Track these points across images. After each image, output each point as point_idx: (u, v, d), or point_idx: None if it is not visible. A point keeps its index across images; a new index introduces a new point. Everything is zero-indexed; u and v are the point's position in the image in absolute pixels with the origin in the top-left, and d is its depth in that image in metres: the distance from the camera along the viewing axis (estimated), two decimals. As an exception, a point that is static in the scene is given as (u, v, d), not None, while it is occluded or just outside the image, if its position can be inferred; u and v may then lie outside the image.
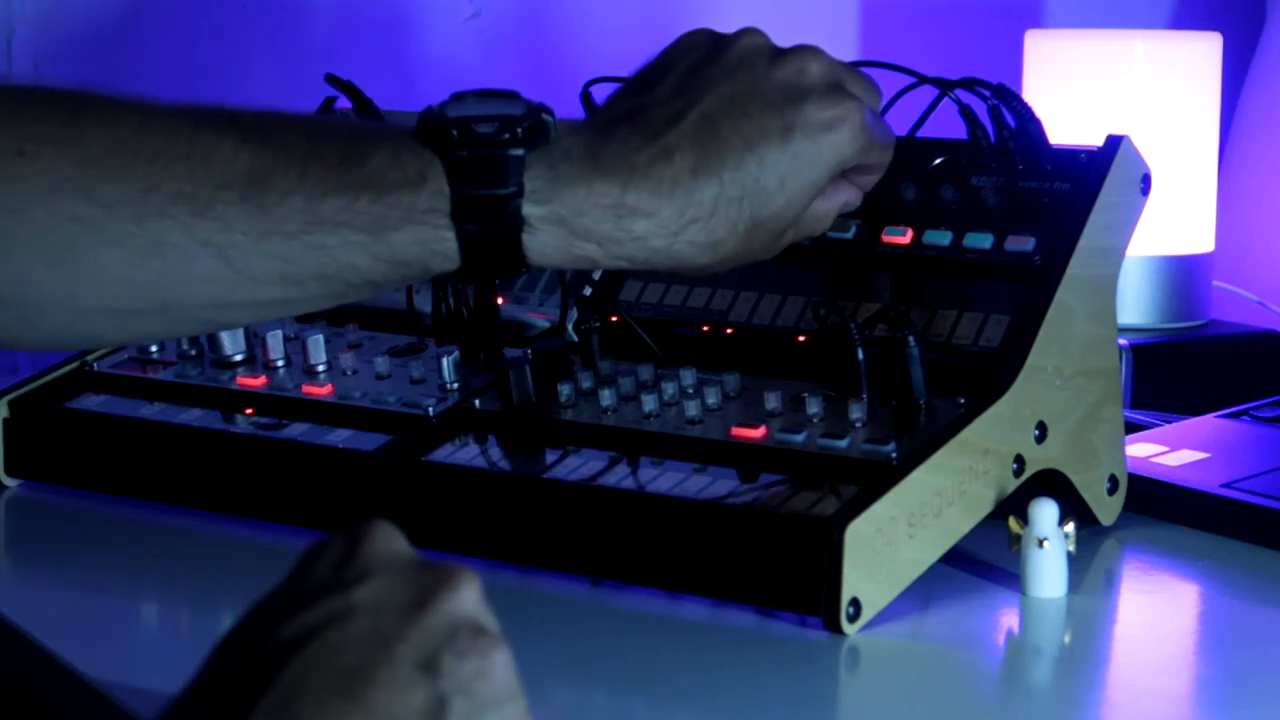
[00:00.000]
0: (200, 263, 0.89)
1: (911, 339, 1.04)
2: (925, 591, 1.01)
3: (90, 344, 1.07)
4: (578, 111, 1.26)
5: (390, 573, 0.66)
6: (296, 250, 0.89)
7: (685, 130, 0.92)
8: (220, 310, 0.92)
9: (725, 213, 0.92)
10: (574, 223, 0.90)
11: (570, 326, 1.17)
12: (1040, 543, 1.02)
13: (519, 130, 0.90)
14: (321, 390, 1.17)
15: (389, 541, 0.67)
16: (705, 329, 1.15)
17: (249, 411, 1.18)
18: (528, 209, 0.90)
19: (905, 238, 1.13)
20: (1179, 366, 1.53)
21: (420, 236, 0.89)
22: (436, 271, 0.91)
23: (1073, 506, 1.09)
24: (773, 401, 1.06)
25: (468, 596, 0.66)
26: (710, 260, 0.94)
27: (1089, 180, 1.10)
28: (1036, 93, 1.58)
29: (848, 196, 1.00)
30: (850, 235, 1.14)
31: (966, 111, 1.13)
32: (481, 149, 0.89)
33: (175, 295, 0.90)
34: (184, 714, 0.64)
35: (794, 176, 0.94)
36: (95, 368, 1.25)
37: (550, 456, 1.08)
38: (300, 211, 0.88)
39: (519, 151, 0.90)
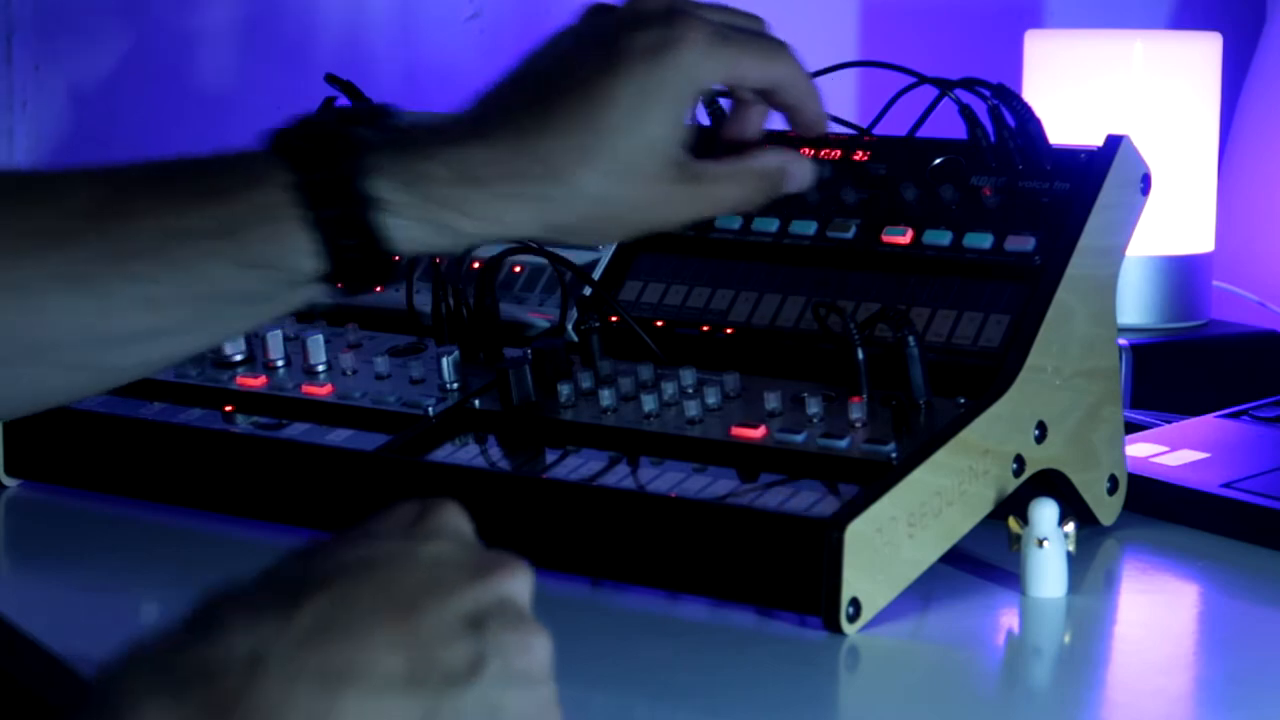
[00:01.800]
0: (62, 296, 0.87)
1: (911, 339, 1.04)
2: (925, 591, 1.01)
3: None
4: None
5: (454, 542, 0.70)
6: (157, 269, 0.86)
7: (516, 87, 0.91)
8: (95, 350, 0.88)
9: (567, 149, 0.89)
10: (425, 188, 0.88)
11: (570, 326, 1.17)
12: (1040, 543, 1.02)
13: (355, 114, 0.90)
14: (321, 390, 1.17)
15: (459, 520, 0.72)
16: (705, 329, 1.15)
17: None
18: (377, 184, 0.87)
19: (905, 238, 1.13)
20: (1179, 366, 1.53)
21: (276, 233, 0.87)
22: (306, 275, 0.88)
23: (1073, 506, 1.09)
24: (773, 401, 1.06)
25: (523, 585, 0.70)
26: (584, 208, 0.90)
27: (1089, 180, 1.10)
28: (1036, 93, 1.58)
29: (780, 159, 0.96)
30: (850, 235, 1.14)
31: (966, 111, 1.13)
32: (319, 135, 0.88)
33: (43, 335, 0.87)
34: (236, 601, 0.69)
35: (638, 102, 0.89)
36: (95, 368, 1.25)
37: (550, 456, 1.08)
38: (154, 230, 0.86)
39: (358, 130, 0.89)
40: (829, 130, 0.99)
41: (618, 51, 0.90)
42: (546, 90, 0.90)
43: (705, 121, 1.17)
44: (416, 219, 0.88)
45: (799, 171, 0.97)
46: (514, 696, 0.68)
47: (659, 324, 1.15)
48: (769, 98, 0.97)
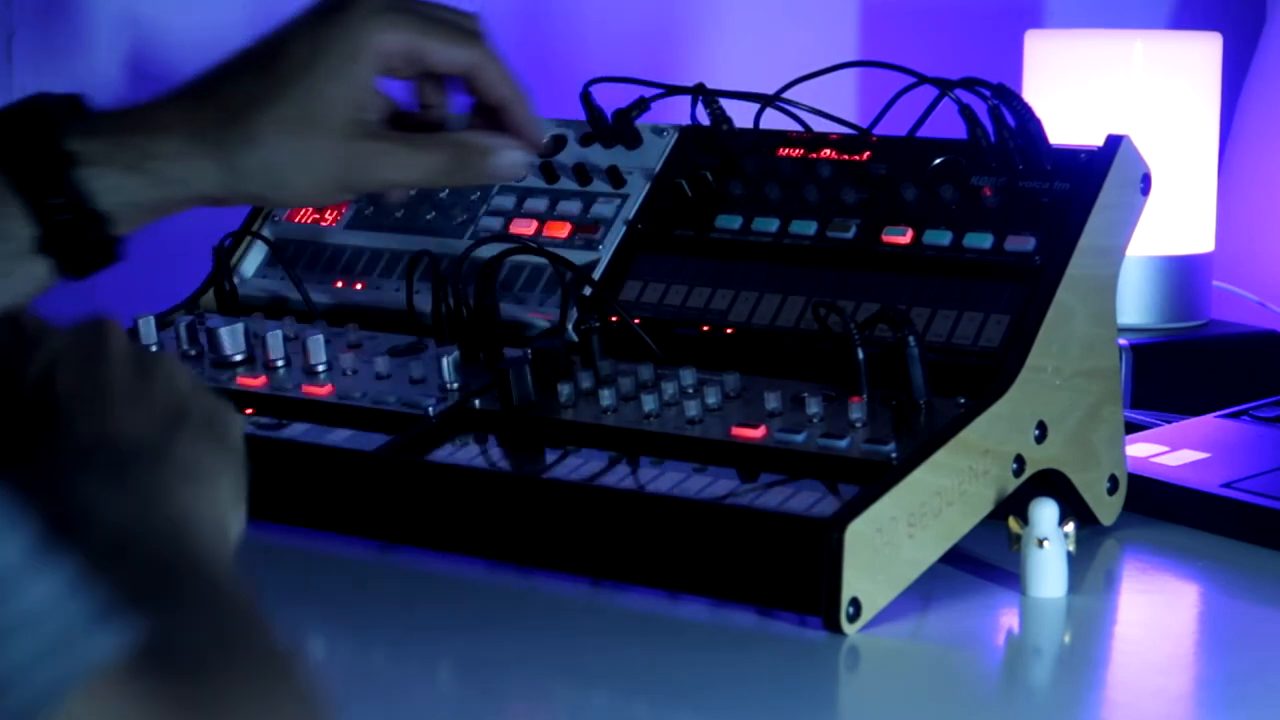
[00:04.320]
0: None
1: (911, 339, 1.04)
2: (925, 591, 1.01)
3: None
4: (578, 112, 1.26)
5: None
6: None
7: (212, 65, 0.97)
8: None
9: (245, 95, 0.94)
10: (113, 137, 0.93)
11: (570, 326, 1.17)
12: (1040, 543, 1.02)
13: (44, 96, 0.95)
14: (321, 390, 1.17)
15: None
16: (705, 329, 1.15)
17: (249, 411, 1.18)
18: (70, 141, 0.92)
19: (905, 238, 1.13)
20: (1179, 366, 1.53)
21: None
22: (21, 241, 0.91)
23: (1073, 506, 1.09)
24: (773, 401, 1.06)
25: (179, 373, 0.80)
26: (264, 154, 0.94)
27: (1089, 180, 1.10)
28: (1036, 93, 1.58)
29: (487, 140, 0.98)
30: (850, 235, 1.14)
31: (966, 111, 1.13)
32: (11, 108, 0.93)
33: None
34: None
35: (308, 56, 0.94)
36: (95, 368, 1.25)
37: (550, 456, 1.08)
38: None
39: (47, 101, 0.94)
40: (542, 140, 1.00)
41: (296, 17, 0.96)
42: (234, 58, 0.96)
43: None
44: (108, 165, 0.92)
45: (510, 157, 0.98)
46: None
47: (659, 324, 1.15)
48: (473, 94, 0.99)
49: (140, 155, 0.93)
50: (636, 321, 1.15)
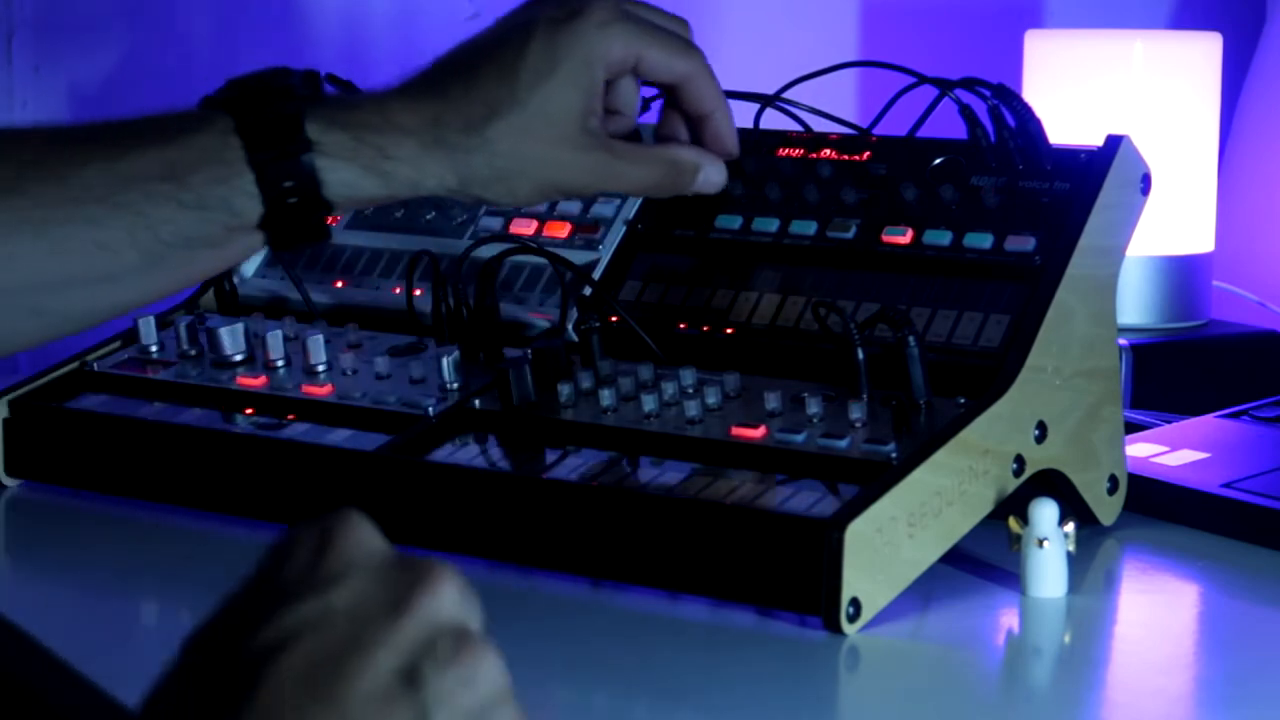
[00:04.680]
0: (19, 241, 0.92)
1: (911, 339, 1.04)
2: (925, 591, 1.01)
3: None
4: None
5: (366, 573, 0.63)
6: (105, 213, 0.92)
7: (435, 62, 0.99)
8: (47, 295, 0.94)
9: (481, 100, 0.96)
10: (352, 130, 0.95)
11: (570, 326, 1.17)
12: (1040, 543, 1.02)
13: (285, 71, 0.96)
14: (321, 390, 1.17)
15: (363, 537, 0.65)
16: (705, 329, 1.14)
17: (249, 411, 1.18)
18: (310, 126, 0.94)
19: (905, 238, 1.13)
20: (1179, 366, 1.53)
21: (219, 174, 0.93)
22: (245, 219, 0.94)
23: (1073, 506, 1.09)
24: (773, 401, 1.06)
25: (447, 597, 0.63)
26: (490, 156, 0.96)
27: (1089, 180, 1.10)
28: (1036, 93, 1.58)
29: (694, 155, 1.03)
30: (850, 235, 1.14)
31: (966, 111, 1.13)
32: (258, 86, 0.95)
33: (1, 281, 0.92)
34: None
35: (544, 64, 0.97)
36: (95, 368, 1.25)
37: (550, 456, 1.08)
38: (102, 173, 0.92)
39: (290, 80, 0.95)
40: (737, 152, 1.05)
41: (531, 22, 0.99)
42: (468, 58, 0.99)
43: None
44: (347, 161, 0.95)
45: (712, 174, 1.03)
46: None
47: (659, 324, 1.15)
48: (680, 102, 1.04)
49: (378, 156, 0.95)
50: (636, 321, 1.15)
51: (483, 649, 0.63)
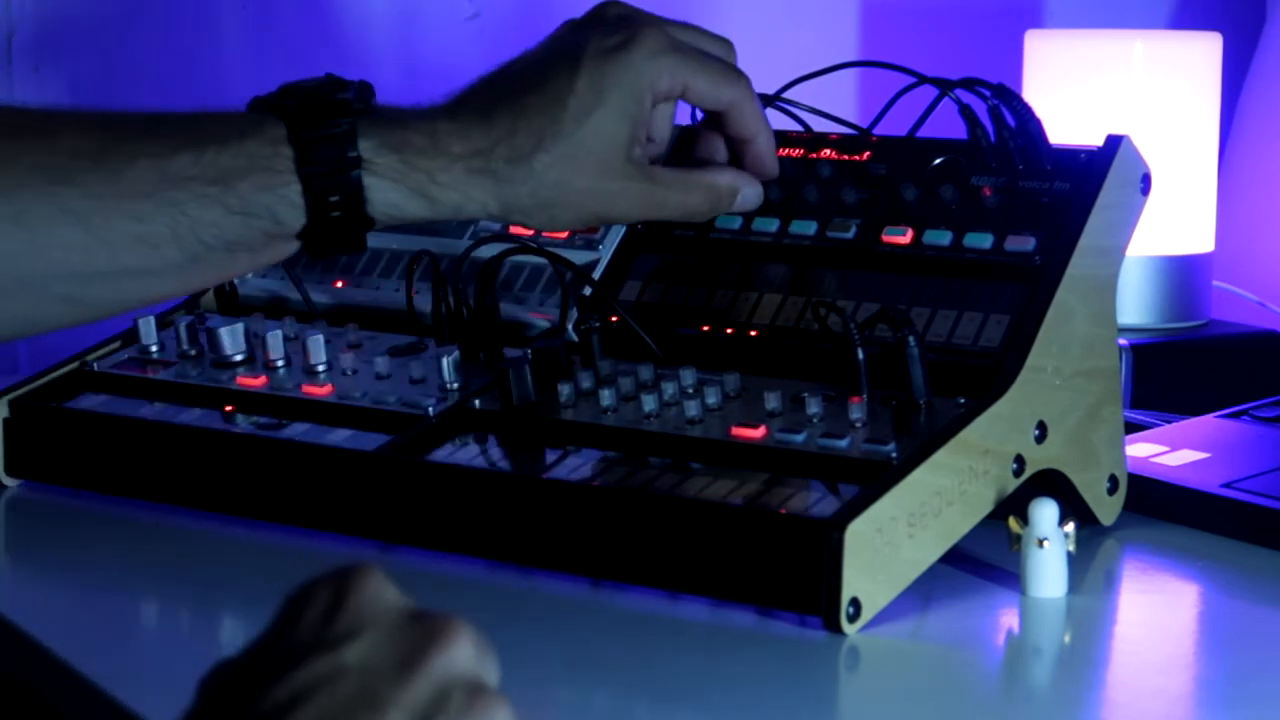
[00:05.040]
0: (61, 231, 0.92)
1: (911, 339, 1.04)
2: (925, 591, 1.01)
3: None
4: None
5: (379, 629, 0.63)
6: (150, 209, 0.93)
7: (486, 83, 0.99)
8: (82, 284, 0.94)
9: (527, 131, 0.97)
10: (402, 152, 0.96)
11: (570, 326, 1.17)
12: (1040, 543, 1.02)
13: (339, 82, 0.97)
14: (321, 390, 1.17)
15: (378, 592, 0.65)
16: (705, 329, 1.14)
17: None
18: (360, 144, 0.95)
19: (905, 238, 1.13)
20: (1179, 366, 1.53)
21: (267, 183, 0.94)
22: (287, 228, 0.95)
23: (1073, 506, 1.09)
24: (773, 401, 1.06)
25: (460, 652, 0.63)
26: (535, 185, 0.97)
27: (1089, 180, 1.10)
28: (1036, 93, 1.58)
29: (732, 178, 1.04)
30: (850, 235, 1.14)
31: (966, 111, 1.13)
32: (311, 97, 0.95)
33: (38, 268, 0.93)
34: None
35: (591, 96, 0.98)
36: (95, 368, 1.25)
37: (550, 456, 1.08)
38: (151, 170, 0.92)
39: (346, 94, 0.96)
40: (777, 173, 1.07)
41: (580, 51, 0.99)
42: (515, 86, 0.98)
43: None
44: (394, 182, 0.96)
45: (749, 195, 1.06)
46: None
47: (659, 324, 1.15)
48: (723, 127, 1.05)
49: (425, 180, 0.96)
50: (636, 321, 1.15)
51: (496, 702, 0.62)
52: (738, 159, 1.07)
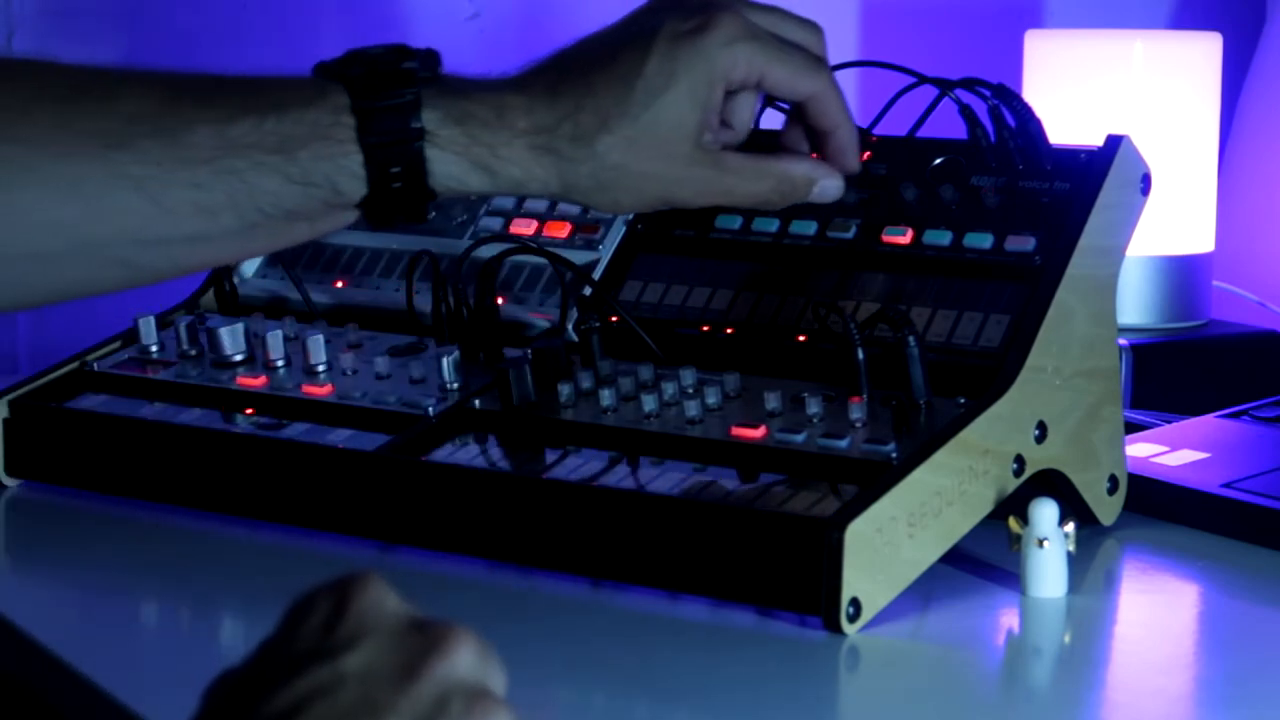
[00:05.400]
0: (118, 195, 0.91)
1: (911, 339, 1.04)
2: (925, 591, 1.01)
3: (14, 300, 1.00)
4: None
5: (380, 637, 0.63)
6: (209, 176, 0.91)
7: (556, 57, 0.97)
8: (138, 249, 0.93)
9: (593, 110, 0.95)
10: (466, 125, 0.94)
11: (570, 326, 1.17)
12: (1040, 543, 1.02)
13: (405, 51, 0.95)
14: (321, 390, 1.17)
15: (380, 600, 0.64)
16: (705, 329, 1.14)
17: (249, 411, 1.18)
18: (424, 116, 0.93)
19: (905, 238, 1.13)
20: (1179, 366, 1.53)
21: (327, 152, 0.92)
22: (347, 197, 0.93)
23: (1073, 506, 1.09)
24: (773, 401, 1.06)
25: (461, 660, 0.63)
26: (596, 166, 0.96)
27: (1089, 180, 1.10)
28: (1036, 93, 1.58)
29: (809, 169, 1.01)
30: (850, 235, 1.14)
31: (966, 111, 1.13)
32: (376, 66, 0.94)
33: (95, 233, 0.92)
34: None
35: (660, 79, 0.96)
36: (95, 368, 1.25)
37: (550, 456, 1.08)
38: (210, 137, 0.91)
39: (411, 64, 0.94)
40: (858, 169, 1.03)
41: (653, 32, 0.96)
42: (585, 63, 0.96)
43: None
44: (457, 154, 0.94)
45: (829, 187, 1.02)
46: None
47: (659, 324, 1.15)
48: (803, 118, 1.02)
49: (488, 154, 0.95)
50: (636, 321, 1.15)
51: (496, 708, 0.62)
52: (819, 149, 1.03)
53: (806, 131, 1.02)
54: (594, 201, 0.98)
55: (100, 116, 0.91)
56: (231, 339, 1.22)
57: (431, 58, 0.95)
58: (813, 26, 1.01)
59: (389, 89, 0.93)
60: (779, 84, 0.99)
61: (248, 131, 0.91)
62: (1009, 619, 1.02)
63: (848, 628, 0.96)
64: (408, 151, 0.93)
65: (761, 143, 1.02)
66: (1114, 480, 1.12)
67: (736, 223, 1.17)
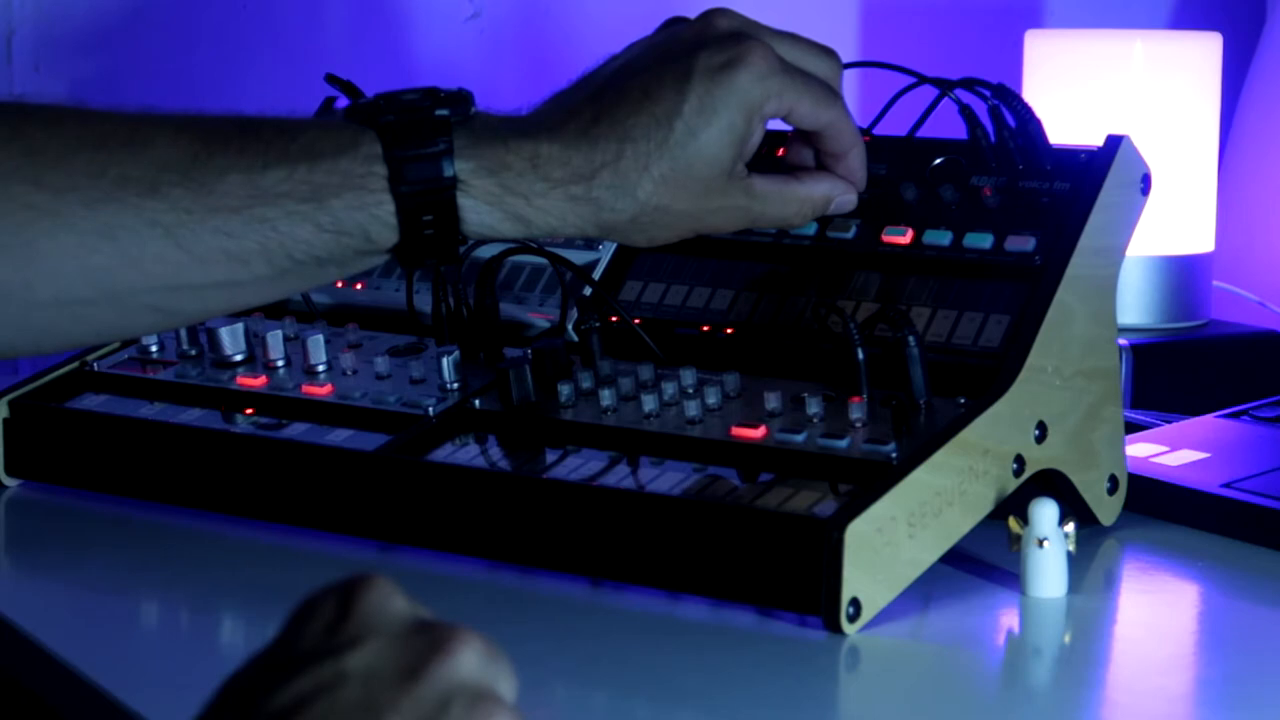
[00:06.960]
0: (149, 244, 0.91)
1: (911, 339, 1.04)
2: (925, 591, 1.01)
3: (43, 344, 1.00)
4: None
5: (383, 637, 0.62)
6: (240, 225, 0.91)
7: (589, 94, 0.97)
8: (169, 296, 0.93)
9: (633, 155, 0.95)
10: (500, 175, 0.94)
11: (570, 326, 1.17)
12: (1040, 543, 1.02)
13: (441, 95, 0.95)
14: (321, 390, 1.17)
15: (384, 600, 0.64)
16: (705, 329, 1.15)
17: (249, 411, 1.18)
18: (457, 165, 0.93)
19: (905, 238, 1.13)
20: (1179, 366, 1.53)
21: (359, 201, 0.92)
22: (379, 245, 0.93)
23: (1073, 506, 1.09)
24: (773, 401, 1.06)
25: (464, 661, 0.62)
26: (637, 211, 0.96)
27: (1089, 180, 1.10)
28: (1036, 93, 1.58)
29: (828, 188, 1.03)
30: (850, 235, 1.14)
31: (966, 111, 1.13)
32: (408, 113, 0.93)
33: (126, 280, 0.92)
34: None
35: (699, 119, 0.96)
36: (95, 368, 1.25)
37: (550, 456, 1.08)
38: (241, 186, 0.91)
39: (444, 112, 0.94)
40: (865, 186, 1.06)
41: (688, 70, 0.97)
42: (619, 100, 0.96)
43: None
44: (490, 204, 0.94)
45: (844, 202, 1.04)
46: None
47: (659, 324, 1.15)
48: (818, 143, 1.04)
49: (524, 205, 0.95)
50: (637, 321, 1.15)
51: (498, 710, 0.62)
52: (831, 170, 1.05)
53: (816, 152, 1.05)
54: (630, 239, 0.99)
55: (131, 164, 0.91)
56: (231, 339, 1.22)
57: (463, 100, 0.95)
58: (832, 57, 1.03)
59: (421, 137, 0.93)
60: (804, 117, 1.01)
61: (279, 181, 0.91)
62: (1009, 619, 1.02)
63: (848, 628, 0.96)
64: (440, 200, 0.93)
65: (769, 149, 1.05)
66: (1114, 480, 1.12)
67: (736, 223, 1.17)
